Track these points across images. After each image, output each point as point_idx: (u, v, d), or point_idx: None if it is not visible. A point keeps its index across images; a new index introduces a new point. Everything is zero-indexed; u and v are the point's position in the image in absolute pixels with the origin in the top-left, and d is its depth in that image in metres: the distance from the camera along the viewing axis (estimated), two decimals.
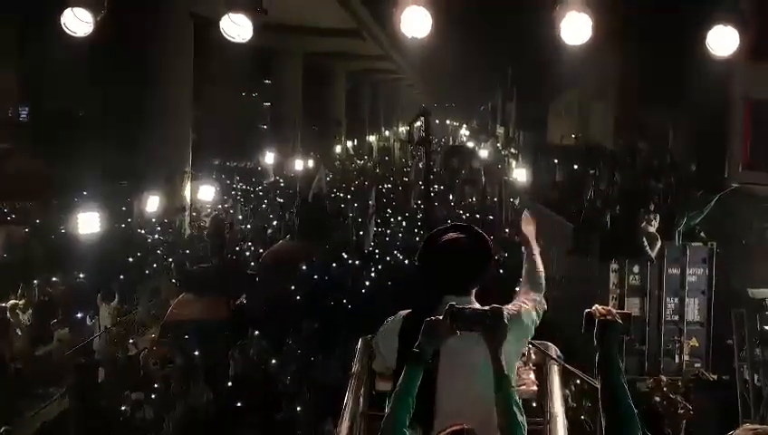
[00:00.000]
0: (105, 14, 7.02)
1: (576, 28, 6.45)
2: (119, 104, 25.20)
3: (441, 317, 2.58)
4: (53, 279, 16.35)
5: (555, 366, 3.49)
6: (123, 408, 10.85)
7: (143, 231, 21.16)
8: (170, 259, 18.88)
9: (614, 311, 2.53)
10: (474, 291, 3.19)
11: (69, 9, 6.84)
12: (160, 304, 16.62)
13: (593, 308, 2.55)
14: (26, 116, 31.67)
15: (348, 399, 3.33)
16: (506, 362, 2.74)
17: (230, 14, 7.20)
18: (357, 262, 18.27)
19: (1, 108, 28.85)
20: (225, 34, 7.27)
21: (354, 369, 3.54)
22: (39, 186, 21.52)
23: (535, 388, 3.56)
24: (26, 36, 26.97)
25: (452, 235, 3.22)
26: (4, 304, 14.40)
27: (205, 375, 11.65)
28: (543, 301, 3.38)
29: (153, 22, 23.06)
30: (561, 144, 34.59)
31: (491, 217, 26.78)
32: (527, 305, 3.25)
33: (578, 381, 8.33)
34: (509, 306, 3.15)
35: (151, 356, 12.96)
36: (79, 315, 15.02)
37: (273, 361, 11.92)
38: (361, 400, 3.40)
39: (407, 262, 18.09)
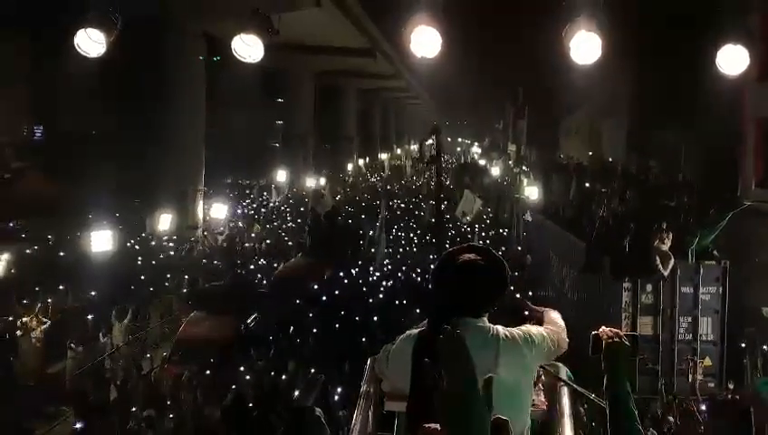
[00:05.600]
0: (118, 34, 7.11)
1: (586, 48, 6.48)
2: (132, 123, 25.36)
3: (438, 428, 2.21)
4: (66, 297, 16.42)
5: (566, 388, 3.46)
6: (134, 426, 10.84)
7: (156, 249, 21.26)
8: (183, 277, 18.93)
9: (621, 333, 2.52)
10: (487, 314, 3.16)
11: (82, 30, 6.92)
12: (172, 321, 16.64)
13: (600, 330, 2.54)
14: (40, 135, 31.96)
15: (356, 419, 3.31)
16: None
17: (242, 35, 7.26)
18: (368, 278, 18.29)
19: (15, 127, 29.10)
20: (236, 55, 7.32)
21: (363, 389, 3.51)
22: (53, 204, 21.65)
23: (545, 408, 3.53)
24: (40, 56, 27.23)
25: (468, 256, 3.17)
26: (11, 318, 14.48)
27: (216, 393, 11.65)
28: (561, 334, 3.28)
29: (166, 41, 23.27)
30: (572, 162, 34.58)
31: (504, 232, 26.76)
32: (533, 331, 3.16)
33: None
34: (512, 330, 3.11)
35: (163, 373, 12.97)
36: (92, 333, 15.06)
37: (284, 377, 11.89)
38: (370, 420, 3.38)
39: (418, 279, 18.08)
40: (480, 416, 1.81)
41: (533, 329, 3.18)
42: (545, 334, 3.18)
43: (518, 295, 14.03)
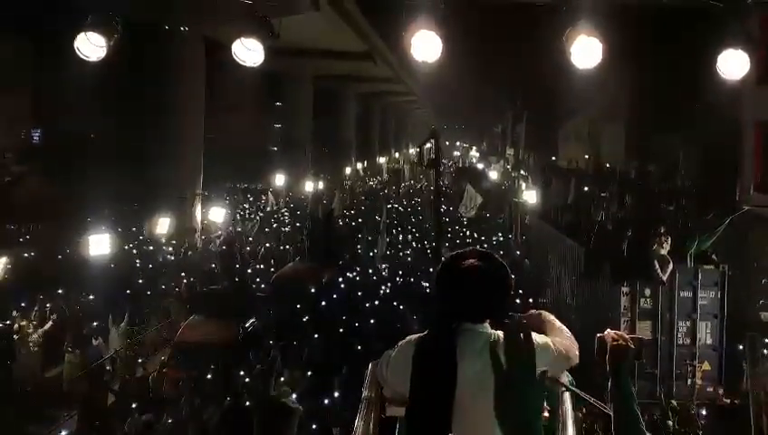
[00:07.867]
0: (118, 39, 7.09)
1: (586, 52, 6.48)
2: (131, 127, 25.37)
3: None
4: (64, 301, 16.38)
5: (568, 393, 3.44)
6: (133, 430, 10.81)
7: (154, 252, 21.24)
8: (181, 281, 18.90)
9: (626, 336, 2.51)
10: (488, 320, 3.13)
11: (82, 34, 6.90)
12: (170, 325, 16.61)
13: (605, 333, 2.54)
14: (39, 139, 31.96)
15: (358, 425, 3.30)
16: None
17: (242, 38, 7.23)
18: (367, 282, 18.26)
19: (14, 131, 29.10)
20: (237, 59, 7.30)
21: (364, 394, 3.50)
22: (51, 208, 21.63)
23: (546, 414, 3.51)
24: (40, 60, 27.25)
25: (471, 261, 3.14)
26: (7, 323, 14.45)
27: (214, 397, 11.62)
28: (572, 346, 3.16)
29: (166, 45, 23.26)
30: (571, 166, 34.62)
31: (501, 238, 26.72)
32: (536, 338, 3.00)
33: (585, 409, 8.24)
34: (541, 338, 3.05)
35: (161, 378, 12.95)
36: (88, 337, 15.02)
37: (282, 379, 11.88)
38: (372, 425, 3.36)
39: (417, 283, 18.05)
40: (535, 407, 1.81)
41: (537, 336, 3.13)
42: (549, 342, 3.12)
43: (517, 301, 14.07)
